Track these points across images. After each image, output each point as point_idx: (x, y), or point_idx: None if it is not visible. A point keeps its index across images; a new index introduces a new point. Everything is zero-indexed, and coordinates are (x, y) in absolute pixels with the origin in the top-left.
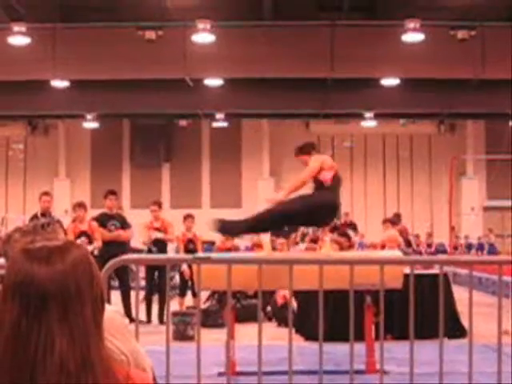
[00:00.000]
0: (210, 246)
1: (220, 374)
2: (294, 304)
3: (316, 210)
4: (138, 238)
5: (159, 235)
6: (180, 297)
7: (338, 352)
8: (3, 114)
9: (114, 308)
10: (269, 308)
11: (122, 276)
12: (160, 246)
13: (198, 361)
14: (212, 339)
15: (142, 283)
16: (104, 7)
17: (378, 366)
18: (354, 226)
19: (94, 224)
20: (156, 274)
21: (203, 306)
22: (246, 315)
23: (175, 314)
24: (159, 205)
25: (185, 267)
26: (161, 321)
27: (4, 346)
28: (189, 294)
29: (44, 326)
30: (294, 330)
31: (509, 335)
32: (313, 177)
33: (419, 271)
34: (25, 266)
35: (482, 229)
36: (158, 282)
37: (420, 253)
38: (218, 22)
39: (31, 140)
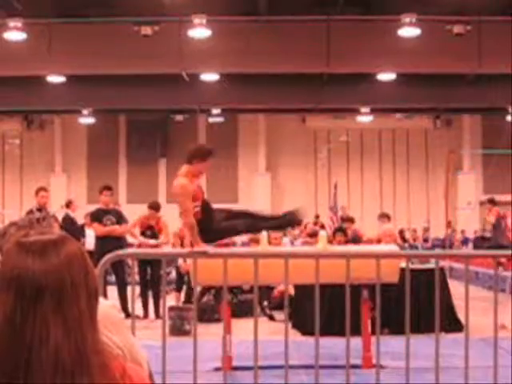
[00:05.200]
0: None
1: (216, 369)
2: (292, 291)
3: None
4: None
5: (151, 242)
6: (176, 292)
7: (334, 346)
8: None
9: (109, 302)
10: (265, 303)
11: (118, 271)
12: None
13: (194, 356)
14: (208, 334)
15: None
16: (100, 3)
17: (374, 361)
18: (352, 220)
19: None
20: (148, 268)
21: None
22: (242, 310)
23: (171, 308)
24: (156, 208)
25: (181, 262)
26: (157, 316)
27: None
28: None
29: (39, 318)
30: (290, 325)
31: (506, 330)
32: None
33: (416, 266)
34: (19, 259)
35: (479, 223)
36: (151, 277)
37: (416, 248)
38: (213, 16)
39: (27, 135)
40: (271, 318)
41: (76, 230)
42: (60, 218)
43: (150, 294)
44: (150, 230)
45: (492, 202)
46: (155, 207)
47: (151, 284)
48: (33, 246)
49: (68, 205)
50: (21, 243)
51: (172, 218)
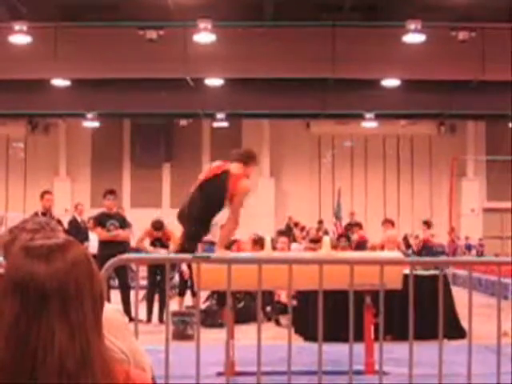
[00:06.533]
0: (210, 246)
1: (219, 374)
2: (294, 302)
3: None
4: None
5: (162, 252)
6: (179, 296)
7: (337, 352)
8: (4, 113)
9: (114, 307)
10: (268, 308)
11: (122, 275)
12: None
13: (197, 360)
14: (211, 339)
15: (142, 282)
16: (105, 6)
17: (377, 367)
18: (360, 226)
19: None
20: (158, 273)
21: (203, 306)
22: (245, 316)
23: (175, 313)
24: (158, 229)
25: (184, 267)
26: (160, 320)
27: (4, 344)
28: (188, 293)
29: (44, 323)
30: (293, 330)
31: (508, 336)
32: None
33: (419, 272)
34: (25, 263)
35: (482, 230)
36: (159, 282)
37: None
38: (219, 21)
39: (31, 139)
40: (277, 322)
41: (81, 234)
42: (66, 221)
43: (156, 298)
44: (159, 241)
45: (427, 224)
46: (157, 227)
47: (159, 289)
48: (38, 250)
49: (76, 208)
50: (26, 247)
51: (176, 224)
